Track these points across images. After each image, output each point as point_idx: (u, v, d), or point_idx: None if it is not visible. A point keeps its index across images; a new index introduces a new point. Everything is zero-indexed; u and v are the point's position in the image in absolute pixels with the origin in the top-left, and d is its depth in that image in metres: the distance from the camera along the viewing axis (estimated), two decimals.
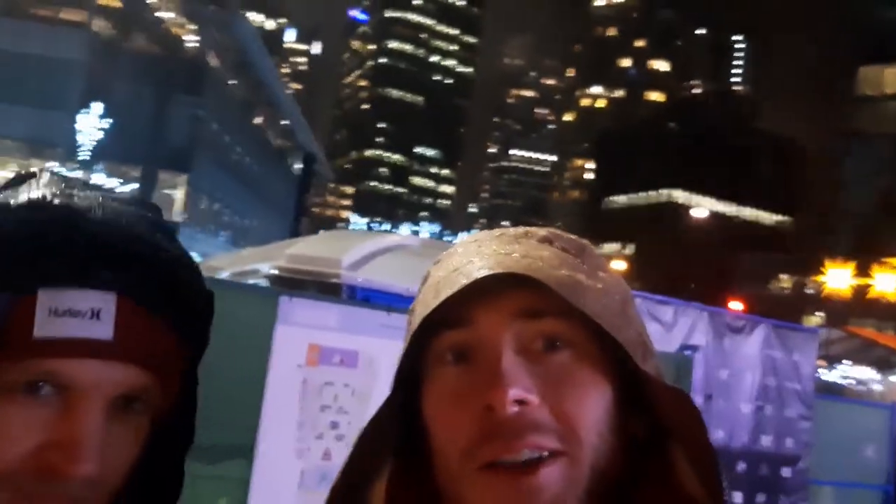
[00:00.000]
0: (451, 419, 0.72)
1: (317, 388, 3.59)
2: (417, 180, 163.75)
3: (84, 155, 29.55)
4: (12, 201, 0.76)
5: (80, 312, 0.71)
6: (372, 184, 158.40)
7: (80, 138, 29.55)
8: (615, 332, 0.71)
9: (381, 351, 3.81)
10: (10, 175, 0.81)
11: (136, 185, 32.70)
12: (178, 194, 38.19)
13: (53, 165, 29.03)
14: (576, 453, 0.70)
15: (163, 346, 0.76)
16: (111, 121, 30.13)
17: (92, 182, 0.83)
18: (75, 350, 0.71)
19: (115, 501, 0.76)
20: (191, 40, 48.30)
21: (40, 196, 0.76)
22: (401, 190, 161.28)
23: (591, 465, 0.71)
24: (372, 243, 4.91)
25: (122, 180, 30.63)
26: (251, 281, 5.27)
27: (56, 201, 0.76)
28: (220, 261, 7.46)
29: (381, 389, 3.91)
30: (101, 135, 29.74)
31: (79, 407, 0.71)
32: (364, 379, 3.79)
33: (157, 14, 44.99)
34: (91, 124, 29.91)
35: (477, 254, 0.76)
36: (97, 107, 30.02)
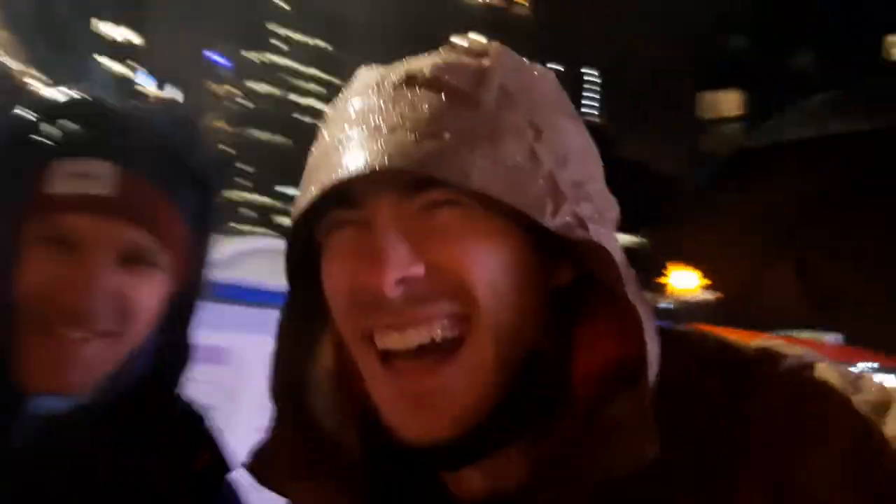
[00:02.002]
0: (339, 288, 0.72)
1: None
2: (284, 220, 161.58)
3: None
4: (45, 93, 0.97)
5: (86, 174, 0.87)
6: (237, 226, 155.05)
7: None
8: (506, 196, 0.65)
9: (248, 346, 3.79)
10: None
11: None
12: None
13: None
14: (478, 319, 0.67)
15: (164, 214, 0.90)
16: None
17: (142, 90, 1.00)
18: (80, 206, 0.86)
19: (140, 350, 0.91)
20: (40, 89, 46.35)
21: (69, 92, 0.96)
22: (267, 231, 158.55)
23: (498, 329, 0.67)
24: (237, 245, 4.88)
25: None
26: None
27: (81, 95, 0.96)
28: None
29: (250, 383, 3.87)
30: None
31: (84, 258, 0.86)
32: (231, 375, 3.76)
33: (3, 62, 42.83)
34: None
35: (352, 126, 0.71)
36: None
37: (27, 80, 46.12)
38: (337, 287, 0.72)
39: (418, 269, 0.66)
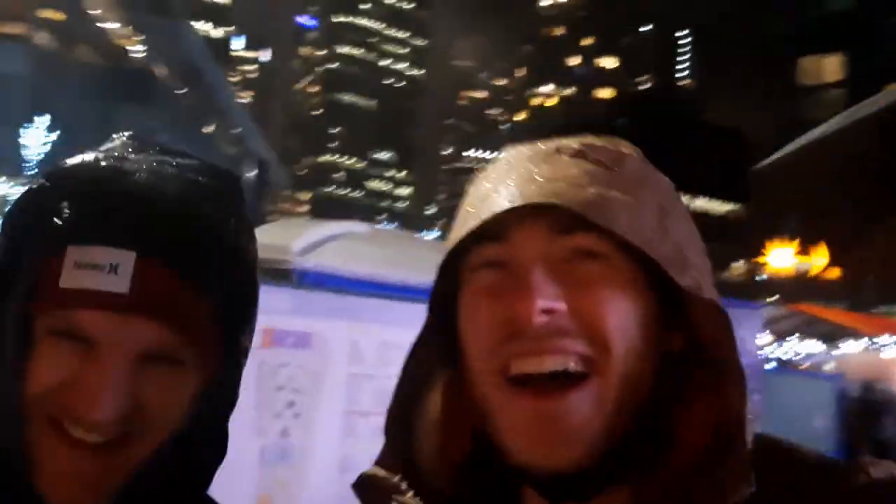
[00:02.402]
0: (480, 323, 0.75)
1: (272, 370, 3.68)
2: (374, 184, 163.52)
3: (30, 169, 29.05)
4: (68, 162, 0.84)
5: (101, 266, 0.77)
6: (328, 189, 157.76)
7: (25, 153, 29.04)
8: (647, 248, 0.72)
9: (332, 332, 3.92)
10: None
11: None
12: None
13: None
14: (606, 365, 0.72)
15: (187, 306, 0.80)
16: (57, 134, 29.66)
17: (169, 146, 0.89)
18: (95, 302, 0.77)
19: (162, 452, 0.82)
20: (137, 50, 47.68)
21: (91, 158, 0.84)
22: (357, 194, 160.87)
23: (621, 377, 0.72)
24: (321, 230, 5.01)
25: None
26: None
27: (104, 163, 0.83)
28: None
29: (333, 368, 4.02)
30: (47, 148, 29.25)
31: (100, 358, 0.78)
32: (318, 359, 3.89)
33: (100, 25, 44.31)
34: (37, 138, 29.40)
35: (506, 177, 0.78)
36: (42, 120, 29.52)
37: (125, 43, 47.60)
38: (480, 316, 0.75)
39: (562, 305, 0.71)
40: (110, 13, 45.00)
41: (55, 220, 0.79)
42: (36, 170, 29.22)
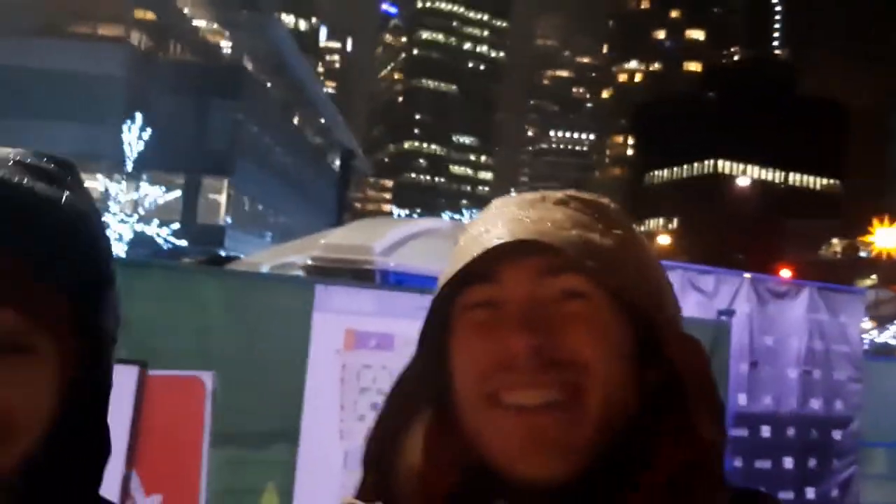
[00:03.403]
0: (472, 357, 0.81)
1: (355, 372, 3.71)
2: (456, 169, 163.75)
3: (129, 166, 30.19)
4: None
5: None
6: (411, 175, 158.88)
7: (124, 150, 30.18)
8: (626, 288, 0.79)
9: (416, 332, 3.92)
10: None
11: (179, 193, 33.31)
12: (222, 199, 38.81)
13: (100, 178, 29.76)
14: (588, 398, 0.78)
15: (23, 284, 0.72)
16: (153, 131, 30.72)
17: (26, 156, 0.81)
18: None
19: (34, 457, 0.74)
20: (226, 46, 48.91)
21: None
22: (440, 179, 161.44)
23: (603, 409, 0.78)
24: (403, 229, 5.02)
25: (165, 188, 31.22)
26: (290, 273, 5.45)
27: None
28: (259, 256, 7.64)
29: None
30: (144, 146, 30.35)
31: None
32: (401, 360, 3.87)
33: (192, 23, 45.62)
34: (134, 136, 30.53)
35: (495, 219, 0.84)
36: (139, 118, 30.62)
37: (215, 39, 48.88)
38: (472, 349, 0.81)
39: (550, 341, 0.78)
40: (200, 10, 46.22)
41: None
42: (134, 166, 30.40)
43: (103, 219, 0.86)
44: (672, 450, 0.80)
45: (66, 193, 0.79)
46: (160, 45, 40.42)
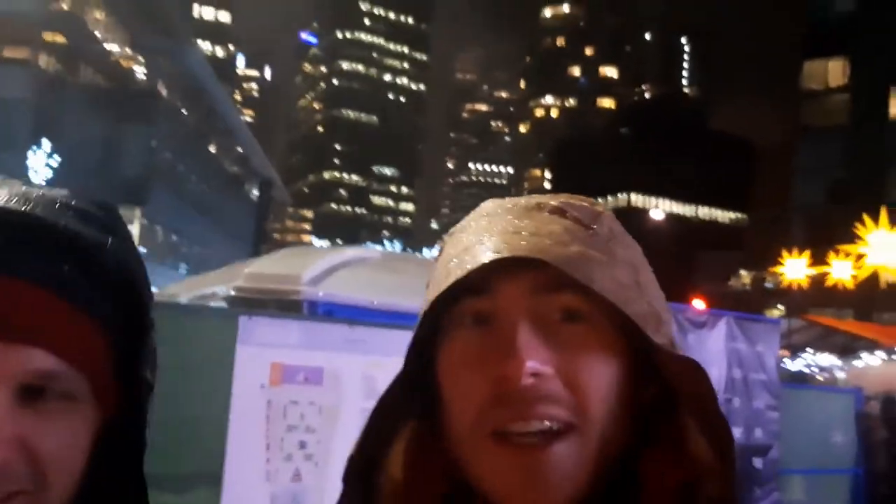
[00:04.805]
0: (467, 382, 0.76)
1: (282, 408, 3.54)
2: (377, 199, 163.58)
3: None
4: None
5: None
6: (331, 205, 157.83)
7: (31, 176, 29.02)
8: (624, 306, 0.74)
9: (346, 366, 3.77)
10: None
11: None
12: (135, 229, 37.65)
13: None
14: (586, 426, 0.74)
15: (67, 328, 0.71)
16: (62, 157, 29.66)
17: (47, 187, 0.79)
18: None
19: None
20: (140, 71, 47.78)
21: None
22: (361, 210, 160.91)
23: (600, 437, 0.75)
24: (331, 258, 4.86)
25: None
26: (212, 304, 5.20)
27: None
28: (177, 287, 7.34)
29: (348, 405, 3.87)
30: (51, 172, 29.25)
31: None
32: (330, 395, 3.73)
33: (105, 47, 44.42)
34: (41, 162, 29.41)
35: (487, 230, 0.79)
36: (46, 144, 29.52)
37: (128, 64, 47.68)
38: (466, 374, 0.76)
39: (548, 369, 0.73)
40: (112, 34, 45.09)
41: None
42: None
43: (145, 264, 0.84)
44: (668, 471, 0.78)
45: (111, 238, 0.78)
46: (70, 68, 39.19)
